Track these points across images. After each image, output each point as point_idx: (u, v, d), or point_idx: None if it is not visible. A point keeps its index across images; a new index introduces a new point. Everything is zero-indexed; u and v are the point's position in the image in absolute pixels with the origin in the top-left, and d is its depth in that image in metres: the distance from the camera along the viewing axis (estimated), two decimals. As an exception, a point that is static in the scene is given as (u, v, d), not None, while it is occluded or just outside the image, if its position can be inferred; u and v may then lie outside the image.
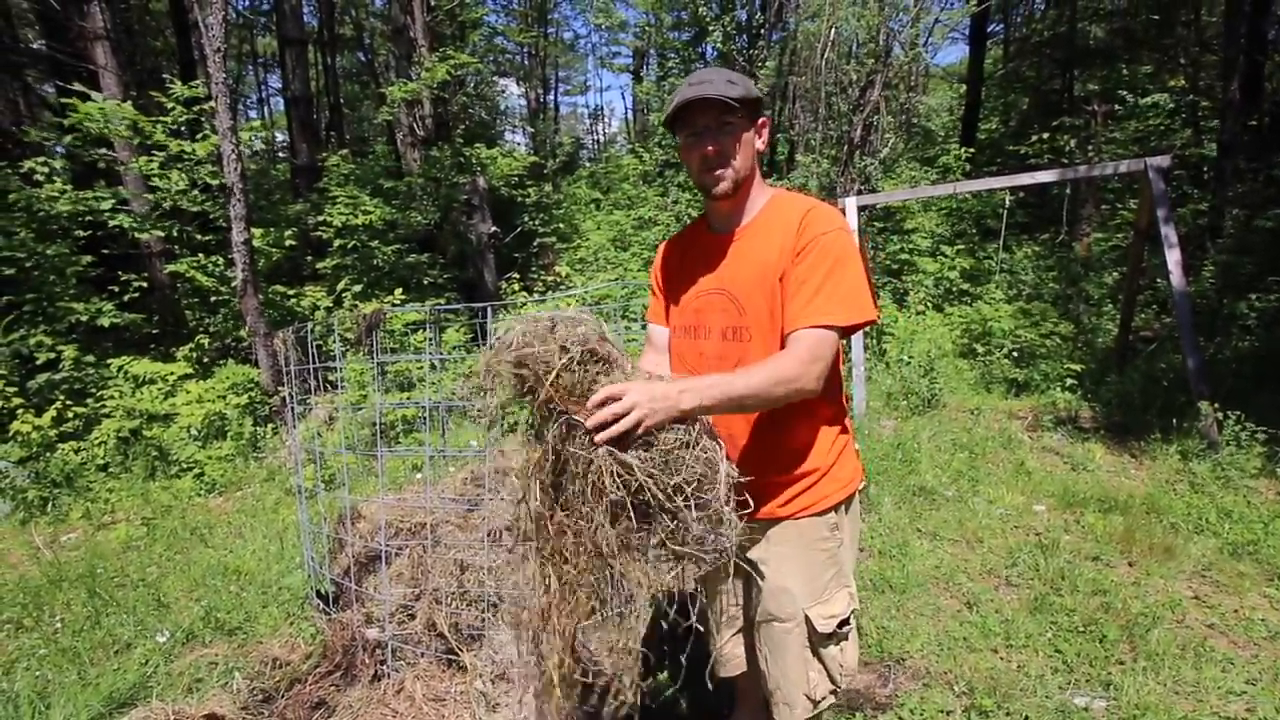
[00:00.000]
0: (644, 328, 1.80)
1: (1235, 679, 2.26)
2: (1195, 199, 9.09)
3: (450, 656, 2.31)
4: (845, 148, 8.59)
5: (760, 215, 1.46)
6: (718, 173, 1.39)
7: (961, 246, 9.14)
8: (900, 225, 10.00)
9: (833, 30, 8.58)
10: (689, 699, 2.17)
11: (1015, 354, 6.74)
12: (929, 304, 8.29)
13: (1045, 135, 10.30)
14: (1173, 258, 4.63)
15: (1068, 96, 12.70)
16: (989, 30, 14.21)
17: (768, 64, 11.18)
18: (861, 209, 5.98)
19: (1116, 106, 9.99)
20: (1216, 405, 4.23)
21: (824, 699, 1.58)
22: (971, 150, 10.97)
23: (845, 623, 1.54)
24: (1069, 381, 5.93)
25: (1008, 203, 7.86)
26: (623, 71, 24.01)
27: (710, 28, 10.94)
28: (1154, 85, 10.15)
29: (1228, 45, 8.58)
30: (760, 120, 1.43)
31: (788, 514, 1.48)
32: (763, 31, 11.54)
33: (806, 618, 1.51)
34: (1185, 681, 2.25)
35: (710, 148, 1.36)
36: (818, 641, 1.53)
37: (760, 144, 1.44)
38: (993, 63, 15.87)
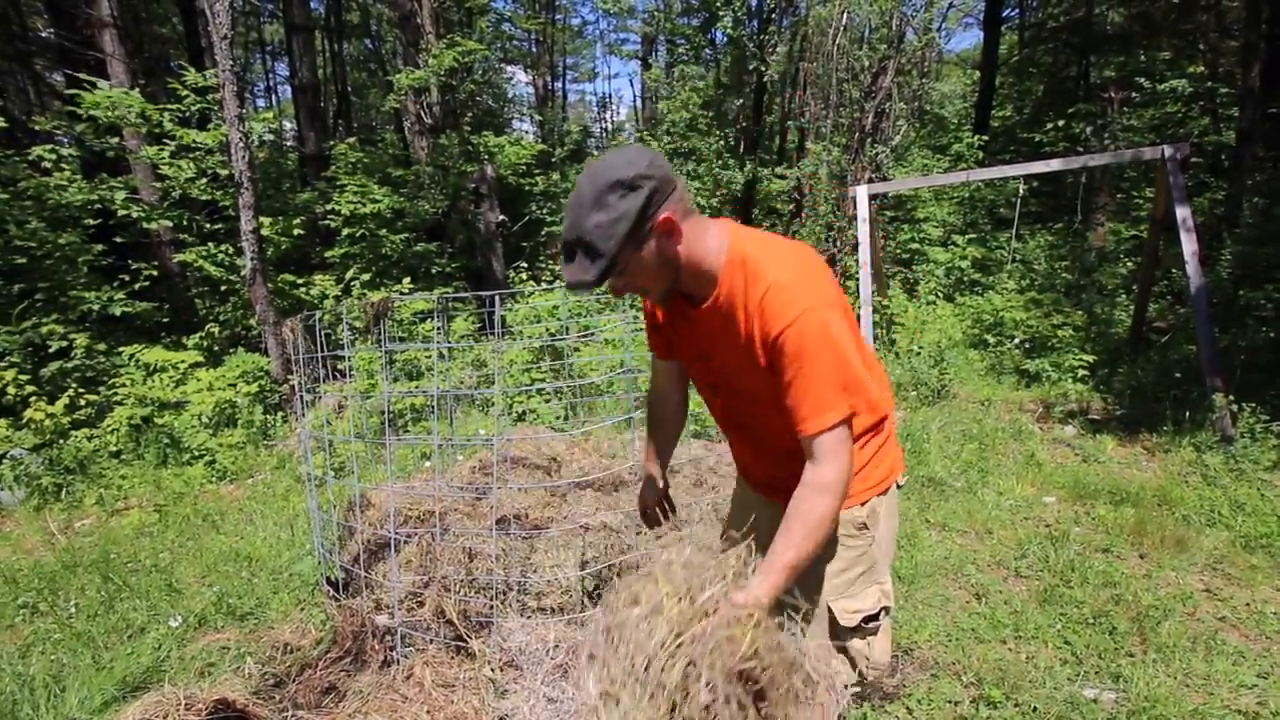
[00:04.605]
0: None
1: (1246, 672, 2.24)
2: (1213, 188, 8.94)
3: (459, 643, 2.33)
4: (856, 135, 8.50)
5: (722, 291, 1.28)
6: (639, 295, 1.32)
7: (973, 236, 9.06)
8: (911, 214, 9.91)
9: (845, 15, 8.46)
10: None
11: (1027, 345, 6.68)
12: (940, 294, 8.22)
13: (1060, 122, 10.15)
14: (1189, 248, 4.56)
15: (1083, 83, 12.49)
16: (1004, 15, 13.98)
17: (778, 50, 11.05)
18: (872, 197, 5.91)
19: (1133, 93, 9.82)
20: (1231, 397, 4.18)
21: (847, 687, 1.54)
22: (985, 138, 10.83)
23: (873, 618, 1.49)
24: (1081, 373, 5.87)
25: (1021, 191, 7.77)
26: (631, 58, 23.82)
27: (720, 13, 10.80)
28: (1172, 71, 9.96)
29: (1248, 30, 8.39)
30: (658, 222, 1.17)
31: None
32: (774, 16, 11.40)
33: (829, 610, 1.48)
34: (1196, 674, 2.23)
35: (614, 291, 1.27)
36: (842, 634, 1.50)
37: (670, 247, 1.22)
38: (1008, 49, 15.62)
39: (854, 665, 1.54)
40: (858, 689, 1.58)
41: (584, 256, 1.16)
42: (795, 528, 1.18)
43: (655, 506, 1.74)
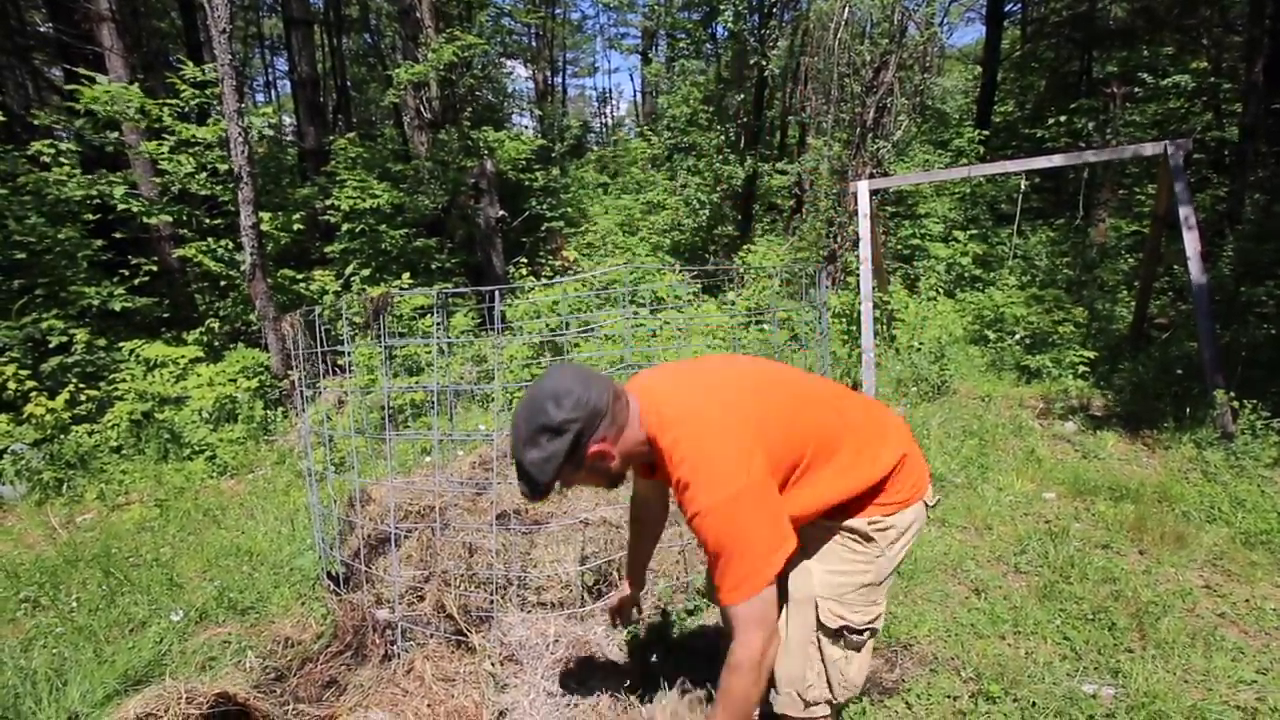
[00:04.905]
0: (652, 312, 1.78)
1: (1246, 668, 2.24)
2: (1215, 184, 8.92)
3: (459, 637, 2.33)
4: (857, 130, 8.47)
5: (656, 460, 1.39)
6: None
7: (974, 232, 9.05)
8: (912, 210, 9.89)
9: (846, 9, 8.42)
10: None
11: (1027, 341, 6.67)
12: (940, 290, 8.21)
13: (1062, 118, 10.12)
14: (1192, 245, 4.54)
15: (1086, 78, 12.45)
16: (1006, 10, 13.92)
17: (779, 44, 11.01)
18: (873, 193, 5.90)
19: (1136, 89, 9.79)
20: (1232, 394, 4.18)
21: (815, 704, 1.52)
22: (986, 133, 10.81)
23: (855, 631, 1.50)
24: (1081, 369, 5.87)
25: (1022, 187, 7.75)
26: (631, 53, 23.74)
27: (721, 7, 10.77)
28: (1175, 67, 9.92)
29: (1252, 25, 8.36)
30: (587, 453, 1.30)
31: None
32: (775, 11, 11.36)
33: (816, 603, 1.49)
34: (1195, 670, 2.23)
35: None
36: (824, 635, 1.50)
37: (603, 466, 1.34)
38: (1010, 43, 15.56)
39: (828, 679, 1.51)
40: (827, 709, 1.54)
41: (525, 481, 1.31)
42: (721, 706, 1.30)
43: (624, 610, 1.89)
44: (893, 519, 1.49)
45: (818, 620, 1.49)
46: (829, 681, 1.51)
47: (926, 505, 1.57)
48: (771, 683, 1.54)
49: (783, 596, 1.54)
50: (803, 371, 1.65)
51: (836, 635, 1.49)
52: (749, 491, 1.23)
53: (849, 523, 1.49)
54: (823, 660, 1.51)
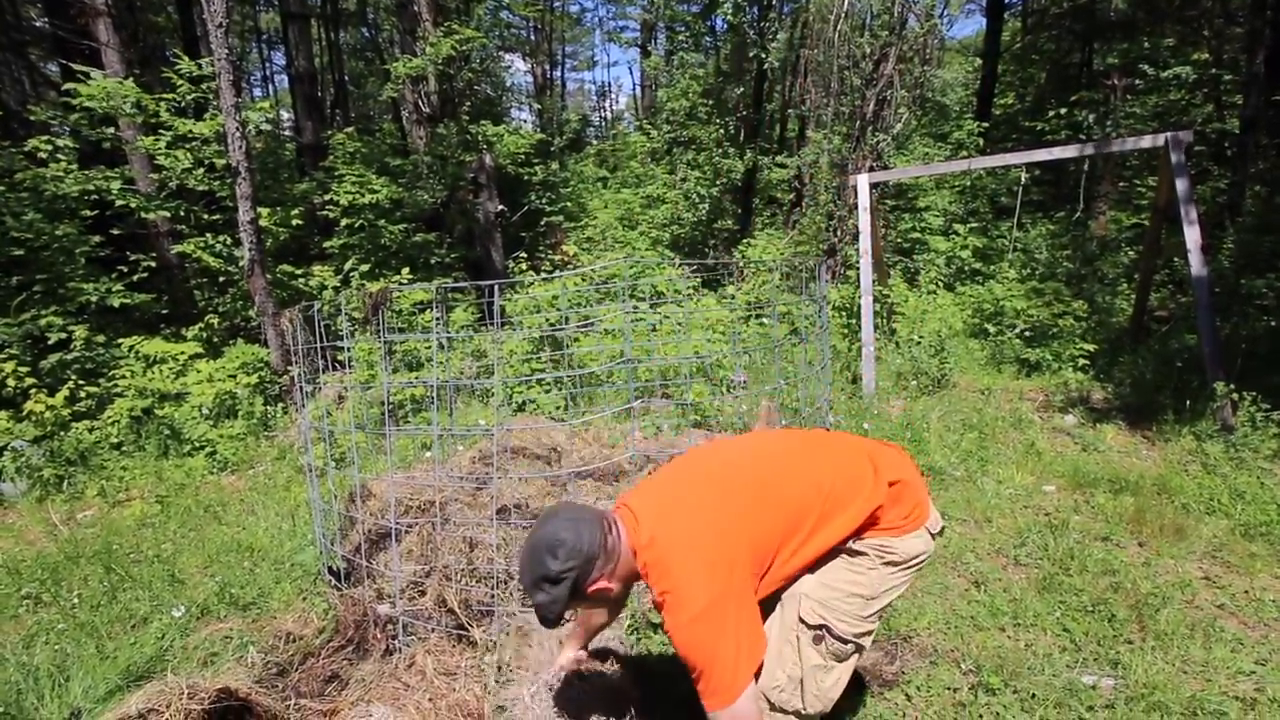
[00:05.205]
0: (652, 307, 1.81)
1: (1245, 659, 2.25)
2: (1216, 175, 8.89)
3: (460, 632, 2.34)
4: (857, 123, 8.44)
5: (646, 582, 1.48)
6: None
7: (974, 225, 9.02)
8: (912, 203, 9.87)
9: (846, 1, 8.38)
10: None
11: (1027, 334, 6.67)
12: (940, 283, 8.20)
13: (1063, 110, 10.07)
14: (1192, 238, 4.53)
15: (1086, 70, 12.39)
16: (1007, 2, 13.85)
17: (779, 36, 10.96)
18: (873, 186, 5.88)
19: (1137, 80, 9.74)
20: (1231, 386, 4.17)
21: (780, 710, 1.52)
22: (986, 125, 10.76)
23: (838, 639, 1.50)
24: (1081, 362, 5.86)
25: (1023, 180, 7.73)
26: (630, 46, 23.61)
27: None
28: (1176, 58, 9.88)
29: (1253, 17, 8.32)
30: (587, 592, 1.43)
31: None
32: (774, 3, 11.31)
33: (800, 599, 1.51)
34: (1194, 661, 2.24)
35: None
36: (803, 632, 1.49)
37: (603, 597, 1.48)
38: (1010, 35, 15.49)
39: (801, 685, 1.50)
40: (793, 718, 1.53)
41: (538, 615, 1.46)
42: None
43: (569, 668, 2.00)
44: (890, 541, 1.52)
45: (798, 616, 1.50)
46: (802, 688, 1.50)
47: (931, 534, 1.59)
48: None
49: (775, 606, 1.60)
50: (783, 437, 1.76)
51: (817, 637, 1.49)
52: (714, 606, 1.33)
53: (848, 546, 1.54)
54: (799, 663, 1.50)
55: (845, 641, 1.50)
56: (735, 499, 1.46)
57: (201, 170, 6.97)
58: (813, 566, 1.55)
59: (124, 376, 5.54)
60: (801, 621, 1.50)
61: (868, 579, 1.51)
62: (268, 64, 22.31)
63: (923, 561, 1.58)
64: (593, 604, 1.54)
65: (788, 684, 1.50)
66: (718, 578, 1.34)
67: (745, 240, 10.51)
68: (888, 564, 1.51)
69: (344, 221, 8.30)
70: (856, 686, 2.16)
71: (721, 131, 11.62)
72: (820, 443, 1.65)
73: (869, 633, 1.54)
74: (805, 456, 1.59)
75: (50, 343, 5.67)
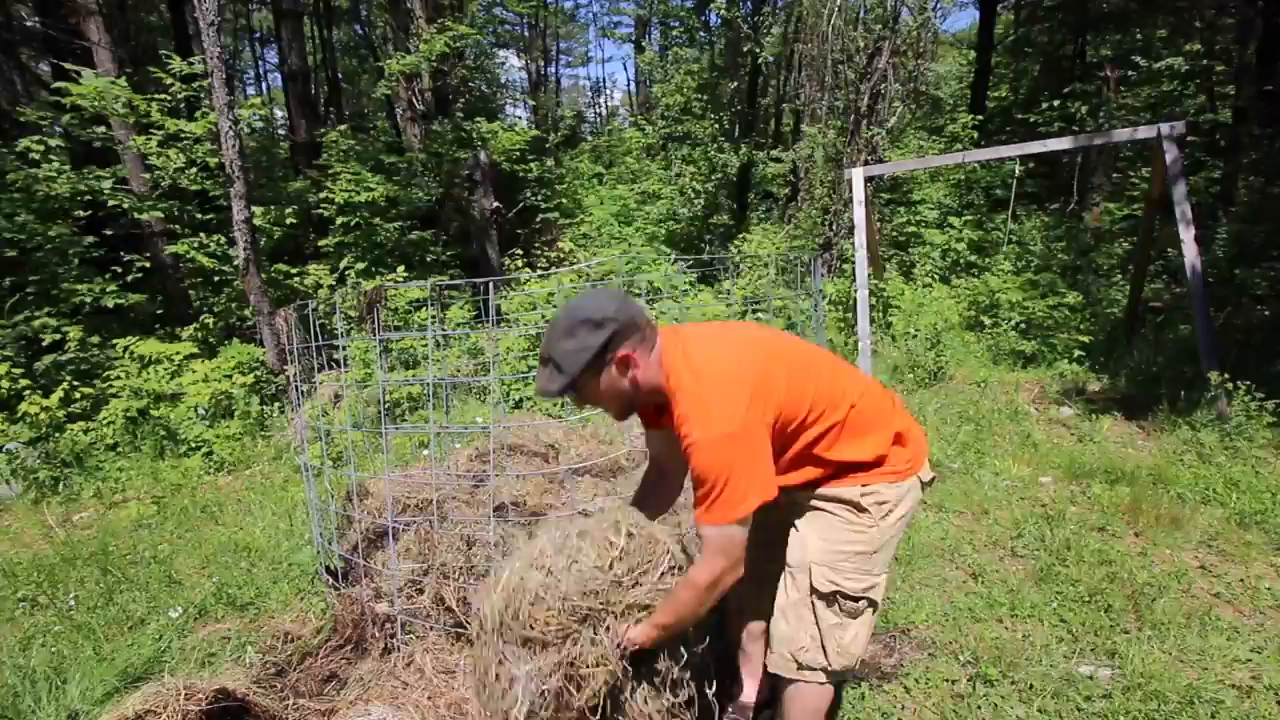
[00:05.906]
0: (649, 302, 1.81)
1: (1240, 647, 2.26)
2: (1209, 166, 8.91)
3: (458, 630, 2.33)
4: (852, 117, 8.44)
5: (670, 400, 1.47)
6: (600, 410, 1.57)
7: (969, 217, 9.02)
8: (907, 196, 9.86)
9: (839, -5, 8.37)
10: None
11: (1023, 326, 6.68)
12: (936, 276, 8.21)
13: (1056, 102, 10.08)
14: (1186, 228, 4.54)
15: (1080, 62, 12.39)
16: (1000, -6, 13.84)
17: (773, 31, 10.95)
18: (868, 179, 5.88)
19: (1130, 72, 9.75)
20: (1226, 376, 4.19)
21: (809, 668, 1.57)
22: (980, 118, 10.76)
23: (849, 597, 1.54)
24: (1077, 353, 5.87)
25: (1017, 172, 7.74)
26: (625, 41, 23.55)
27: (713, -6, 10.68)
28: (1169, 49, 9.88)
29: (1245, 7, 8.33)
30: (616, 356, 1.41)
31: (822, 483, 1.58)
32: (767, -2, 11.27)
33: (810, 569, 1.55)
34: (1190, 650, 2.25)
35: (577, 405, 1.54)
36: (817, 599, 1.55)
37: (626, 377, 1.44)
38: (1004, 28, 15.48)
39: (823, 645, 1.56)
40: (822, 675, 1.58)
41: (553, 370, 1.42)
42: (666, 606, 1.46)
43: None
44: (885, 489, 1.55)
45: (811, 585, 1.55)
46: (824, 647, 1.56)
47: (922, 483, 1.63)
48: (768, 642, 1.65)
49: (782, 565, 1.63)
50: (821, 348, 1.75)
51: (830, 600, 1.54)
52: (739, 436, 1.34)
53: (843, 494, 1.55)
54: (817, 625, 1.56)
55: (856, 599, 1.55)
56: (782, 357, 1.48)
57: (195, 170, 6.93)
58: (810, 507, 1.59)
59: (119, 377, 5.51)
60: (814, 590, 1.55)
61: (868, 536, 1.55)
62: (260, 62, 22.17)
63: (913, 506, 1.64)
64: (607, 383, 1.44)
65: (811, 644, 1.57)
66: (750, 412, 1.36)
67: (741, 235, 10.51)
68: (883, 516, 1.56)
69: (339, 220, 8.27)
70: (855, 681, 2.17)
71: (716, 127, 11.61)
72: (854, 369, 1.71)
73: (875, 585, 1.58)
74: (846, 367, 1.64)
75: (44, 344, 5.65)
